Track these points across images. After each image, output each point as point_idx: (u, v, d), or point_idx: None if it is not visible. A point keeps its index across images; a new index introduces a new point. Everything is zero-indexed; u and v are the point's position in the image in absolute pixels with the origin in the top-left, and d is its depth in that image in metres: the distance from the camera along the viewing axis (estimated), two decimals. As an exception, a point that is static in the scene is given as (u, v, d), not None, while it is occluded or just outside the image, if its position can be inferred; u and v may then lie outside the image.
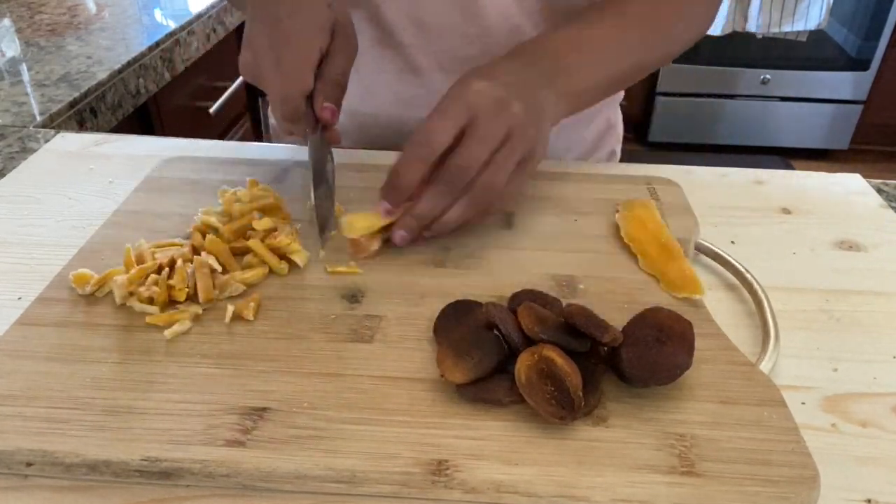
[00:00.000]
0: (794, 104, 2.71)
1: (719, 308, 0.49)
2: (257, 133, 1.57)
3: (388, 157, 0.57)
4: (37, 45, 1.08)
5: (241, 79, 1.36)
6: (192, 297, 0.47)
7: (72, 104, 0.89)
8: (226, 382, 0.41)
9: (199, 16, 1.23)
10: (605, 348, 0.41)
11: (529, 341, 0.41)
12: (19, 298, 0.49)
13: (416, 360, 0.43)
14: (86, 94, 0.92)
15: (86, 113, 0.92)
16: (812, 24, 2.33)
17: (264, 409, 0.39)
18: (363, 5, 0.66)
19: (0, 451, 0.37)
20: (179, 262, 0.48)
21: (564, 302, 0.46)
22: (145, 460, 0.36)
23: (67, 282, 0.48)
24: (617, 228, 0.55)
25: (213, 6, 1.27)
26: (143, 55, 1.05)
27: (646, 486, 0.35)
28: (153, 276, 0.47)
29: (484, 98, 0.49)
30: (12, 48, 1.07)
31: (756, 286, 0.50)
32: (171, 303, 0.47)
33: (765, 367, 0.43)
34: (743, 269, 0.52)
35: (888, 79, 2.59)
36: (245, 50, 0.53)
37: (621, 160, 0.83)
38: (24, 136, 0.74)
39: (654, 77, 2.67)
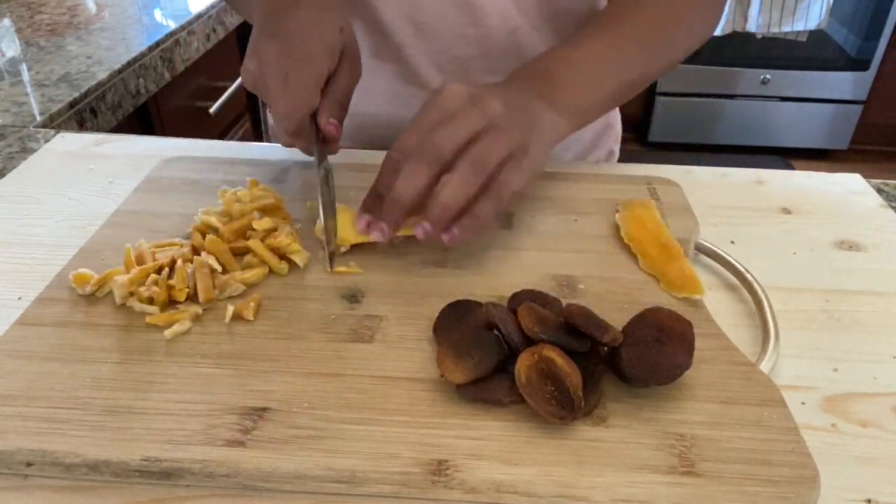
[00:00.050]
0: (794, 104, 2.71)
1: (719, 308, 0.49)
2: (257, 133, 1.57)
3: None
4: (37, 45, 1.08)
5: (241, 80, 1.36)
6: (192, 297, 0.47)
7: (72, 104, 0.89)
8: (226, 382, 0.41)
9: (199, 16, 1.23)
10: (605, 348, 0.41)
11: (529, 341, 0.41)
12: (19, 298, 0.49)
13: (416, 360, 0.43)
14: (86, 94, 0.92)
15: (86, 113, 0.92)
16: (812, 24, 2.33)
17: (264, 409, 0.39)
18: (361, 6, 0.66)
19: (0, 451, 0.37)
20: (179, 262, 0.48)
21: (564, 302, 0.46)
22: (145, 460, 0.36)
23: (67, 282, 0.48)
24: (617, 228, 0.55)
25: (213, 6, 1.27)
26: (143, 55, 1.05)
27: (646, 486, 0.35)
28: (153, 276, 0.47)
29: (457, 96, 0.49)
30: (12, 48, 1.07)
31: (756, 286, 0.50)
32: (171, 303, 0.47)
33: (765, 367, 0.43)
34: (743, 269, 0.52)
35: (888, 79, 2.59)
36: (250, 59, 0.52)
37: (621, 160, 0.83)
38: (24, 136, 0.74)
39: (654, 77, 2.67)
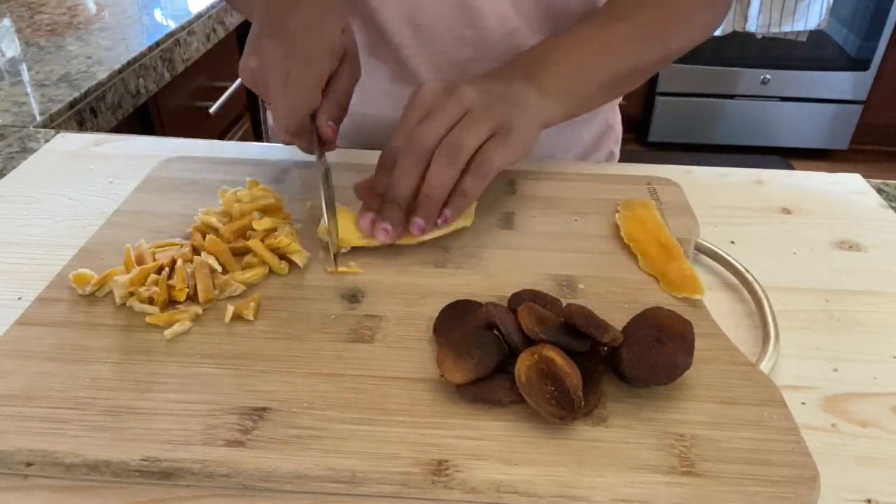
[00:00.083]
0: (794, 104, 2.71)
1: (719, 308, 0.49)
2: (257, 133, 1.57)
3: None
4: (37, 45, 1.08)
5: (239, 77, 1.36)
6: (192, 297, 0.47)
7: (72, 104, 0.89)
8: (226, 382, 0.41)
9: (199, 16, 1.23)
10: (605, 348, 0.41)
11: (529, 341, 0.41)
12: (19, 298, 0.49)
13: (416, 360, 0.43)
14: (86, 94, 0.92)
15: (86, 113, 0.92)
16: (812, 24, 2.33)
17: (264, 409, 0.39)
18: (360, 5, 0.66)
19: (0, 451, 0.37)
20: (179, 262, 0.48)
21: (564, 302, 0.46)
22: (145, 460, 0.36)
23: (67, 282, 0.48)
24: (617, 228, 0.55)
25: (213, 6, 1.27)
26: (143, 55, 1.05)
27: (646, 486, 0.35)
28: (153, 276, 0.47)
29: (433, 92, 0.51)
30: (12, 48, 1.07)
31: (756, 286, 0.50)
32: (171, 303, 0.47)
33: (765, 367, 0.43)
34: (743, 269, 0.52)
35: (888, 79, 2.59)
36: (249, 57, 0.52)
37: (621, 160, 0.83)
38: (24, 136, 0.74)
39: (654, 77, 2.67)
